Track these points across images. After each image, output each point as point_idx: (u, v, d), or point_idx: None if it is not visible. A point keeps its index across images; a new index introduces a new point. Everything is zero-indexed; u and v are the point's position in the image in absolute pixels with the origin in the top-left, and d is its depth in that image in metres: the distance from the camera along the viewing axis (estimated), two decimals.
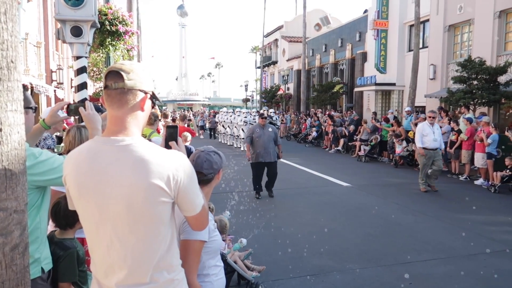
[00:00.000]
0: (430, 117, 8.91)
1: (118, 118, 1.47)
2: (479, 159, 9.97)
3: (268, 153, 7.91)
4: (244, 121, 17.30)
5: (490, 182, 9.45)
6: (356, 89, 23.50)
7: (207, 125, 25.35)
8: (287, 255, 4.97)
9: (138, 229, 1.45)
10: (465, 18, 16.11)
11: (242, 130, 17.13)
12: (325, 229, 6.08)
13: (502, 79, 12.81)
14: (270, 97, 34.50)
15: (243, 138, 16.91)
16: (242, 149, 16.59)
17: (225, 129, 19.98)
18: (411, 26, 18.82)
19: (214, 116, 25.15)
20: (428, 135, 8.71)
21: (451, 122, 11.43)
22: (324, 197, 8.28)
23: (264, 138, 7.92)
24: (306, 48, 27.73)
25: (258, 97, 41.14)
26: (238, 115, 18.17)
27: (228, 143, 19.42)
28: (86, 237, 1.55)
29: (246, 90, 45.35)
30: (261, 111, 17.84)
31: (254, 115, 18.13)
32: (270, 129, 8.11)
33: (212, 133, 24.91)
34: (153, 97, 1.56)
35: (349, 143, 16.19)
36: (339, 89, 25.00)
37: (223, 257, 3.65)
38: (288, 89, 33.31)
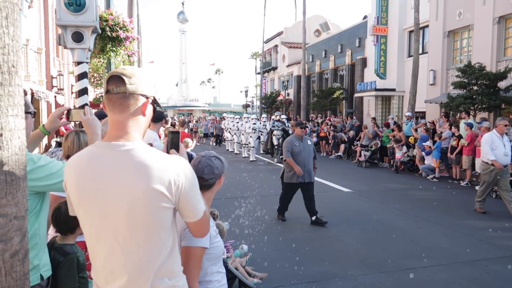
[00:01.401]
0: (505, 125, 7.23)
1: (120, 122, 1.46)
2: (480, 165, 9.93)
3: (309, 171, 6.55)
4: (253, 128, 15.93)
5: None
6: (356, 95, 23.53)
7: (214, 132, 24.50)
8: (288, 262, 4.94)
9: (139, 235, 1.43)
10: (465, 24, 16.17)
11: (251, 137, 16.02)
12: (326, 235, 6.06)
13: (502, 84, 12.82)
14: (270, 102, 34.55)
15: (253, 147, 15.93)
16: (251, 159, 15.62)
17: (232, 136, 18.82)
18: (411, 32, 18.88)
19: (220, 122, 24.17)
20: (498, 149, 7.17)
21: (452, 127, 11.43)
22: (325, 202, 8.25)
23: (304, 153, 6.53)
24: (306, 54, 27.80)
25: (258, 103, 41.19)
26: (246, 122, 16.69)
27: (235, 151, 18.44)
28: (87, 243, 1.53)
29: (246, 96, 45.39)
30: (276, 116, 15.64)
31: (264, 122, 16.99)
32: (309, 142, 6.76)
33: (218, 140, 23.88)
34: (155, 102, 1.55)
35: (350, 148, 16.19)
36: (339, 95, 25.04)
37: (225, 264, 3.62)
38: (288, 94, 33.34)
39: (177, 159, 1.49)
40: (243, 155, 16.85)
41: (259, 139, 16.18)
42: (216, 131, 23.66)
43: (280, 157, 14.03)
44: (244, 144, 16.84)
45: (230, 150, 19.61)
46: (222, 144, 23.03)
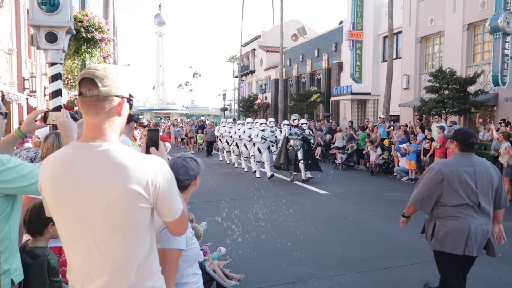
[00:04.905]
0: None
1: (95, 124, 1.45)
2: None
3: (485, 233, 3.34)
4: (262, 137, 12.00)
5: None
6: (332, 98, 23.91)
7: (204, 138, 20.04)
8: (266, 264, 4.96)
9: (116, 235, 1.42)
10: (436, 30, 16.72)
11: (258, 150, 12.10)
12: (303, 236, 6.11)
13: (471, 89, 13.32)
14: (248, 106, 34.63)
15: (258, 162, 12.08)
16: (268, 174, 11.61)
17: (230, 145, 14.82)
18: (385, 37, 19.36)
19: (213, 126, 19.63)
20: None
21: (425, 130, 11.75)
22: (302, 205, 8.32)
23: (480, 195, 3.27)
24: (284, 58, 28.06)
25: (236, 106, 41.23)
26: (250, 128, 12.88)
27: (238, 165, 14.44)
28: (63, 244, 1.51)
29: (224, 99, 45.34)
30: (294, 121, 11.48)
31: (272, 127, 12.73)
32: (491, 172, 3.35)
33: (209, 148, 19.58)
34: (130, 100, 1.53)
35: (327, 151, 16.38)
36: (316, 98, 25.37)
37: (202, 266, 3.61)
38: (266, 98, 33.55)
39: (154, 159, 1.49)
40: (246, 169, 13.36)
41: (269, 150, 12.29)
42: (207, 137, 19.29)
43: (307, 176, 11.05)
44: (246, 157, 13.19)
45: (228, 162, 15.67)
46: (215, 153, 19.11)
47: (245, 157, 13.18)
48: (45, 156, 2.69)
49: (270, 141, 12.30)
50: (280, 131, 12.79)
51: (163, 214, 1.51)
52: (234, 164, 14.61)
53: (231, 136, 14.53)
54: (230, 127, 14.88)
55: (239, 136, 13.52)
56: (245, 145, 13.08)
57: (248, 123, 13.36)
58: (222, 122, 16.76)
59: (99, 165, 1.40)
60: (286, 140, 11.29)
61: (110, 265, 1.43)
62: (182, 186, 1.94)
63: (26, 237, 2.33)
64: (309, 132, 12.39)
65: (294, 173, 11.29)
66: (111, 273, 1.43)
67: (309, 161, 11.19)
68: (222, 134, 15.58)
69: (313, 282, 4.45)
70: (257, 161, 12.20)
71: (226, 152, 15.64)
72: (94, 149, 1.42)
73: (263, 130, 12.20)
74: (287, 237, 6.02)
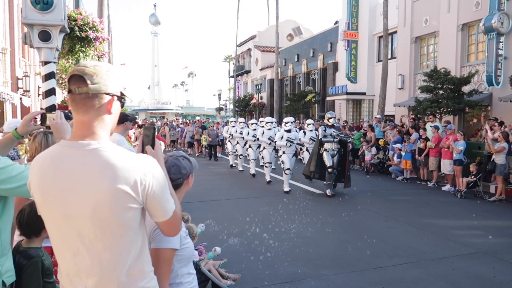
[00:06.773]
0: None
1: (84, 123, 1.42)
2: (446, 166, 10.31)
3: None
4: (288, 139, 9.68)
5: (456, 188, 9.78)
6: (328, 98, 23.95)
7: (208, 140, 17.13)
8: (262, 263, 4.95)
9: (105, 236, 1.39)
10: (431, 31, 16.78)
11: (284, 154, 9.87)
12: (299, 236, 6.10)
13: (466, 89, 13.38)
14: (243, 106, 34.60)
15: (288, 169, 9.63)
16: (285, 189, 9.52)
17: (243, 148, 12.83)
18: (380, 37, 19.41)
19: (217, 127, 17.61)
20: None
21: (420, 130, 11.78)
22: (298, 204, 8.32)
23: None
24: (279, 58, 28.06)
25: (232, 106, 41.19)
26: (270, 129, 10.65)
27: (251, 170, 12.19)
28: (52, 244, 1.48)
29: (220, 99, 45.31)
30: (329, 120, 9.39)
31: (289, 127, 9.98)
32: None
33: (213, 152, 17.02)
34: (121, 98, 1.50)
35: None
36: (312, 98, 25.40)
37: (197, 266, 3.59)
38: (261, 98, 33.51)
39: (145, 158, 1.45)
40: (268, 179, 10.83)
41: (296, 156, 10.24)
42: (211, 140, 16.83)
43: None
44: (267, 163, 10.84)
45: (241, 169, 13.29)
46: (221, 157, 17.33)
47: (267, 163, 10.86)
48: (33, 156, 2.67)
49: (298, 144, 10.38)
50: (304, 132, 10.96)
51: (153, 214, 1.48)
52: (250, 171, 12.27)
53: (243, 138, 12.56)
54: (242, 127, 12.84)
55: (254, 137, 11.58)
56: (264, 148, 10.90)
57: (267, 122, 10.88)
58: (232, 122, 14.35)
59: (88, 164, 1.37)
60: (320, 143, 9.27)
61: (99, 266, 1.40)
62: (174, 185, 1.92)
63: (17, 237, 2.30)
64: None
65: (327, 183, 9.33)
66: (100, 274, 1.41)
67: (340, 170, 9.26)
68: (232, 135, 13.38)
69: (308, 282, 4.45)
70: (285, 169, 9.82)
71: (239, 156, 13.42)
72: (83, 147, 1.39)
73: (288, 131, 9.88)
74: (282, 237, 6.01)
